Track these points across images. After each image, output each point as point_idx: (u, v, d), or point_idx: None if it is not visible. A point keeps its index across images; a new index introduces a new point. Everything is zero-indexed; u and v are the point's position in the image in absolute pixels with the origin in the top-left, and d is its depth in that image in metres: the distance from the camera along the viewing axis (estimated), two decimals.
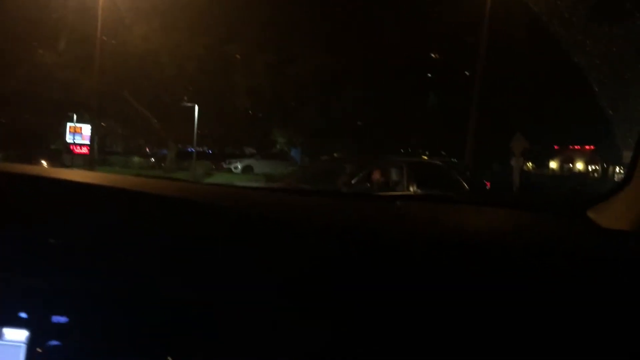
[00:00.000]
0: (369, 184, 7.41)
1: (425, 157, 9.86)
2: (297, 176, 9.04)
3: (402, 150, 29.26)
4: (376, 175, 7.61)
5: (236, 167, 31.16)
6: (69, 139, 27.63)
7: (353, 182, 7.26)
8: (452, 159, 15.25)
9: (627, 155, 27.17)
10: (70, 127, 27.54)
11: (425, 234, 1.16)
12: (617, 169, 41.14)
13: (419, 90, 26.78)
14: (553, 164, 47.79)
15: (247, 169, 30.75)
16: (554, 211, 1.37)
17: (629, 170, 1.14)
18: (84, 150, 25.27)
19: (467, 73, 21.52)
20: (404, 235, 1.13)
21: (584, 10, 21.10)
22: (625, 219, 1.08)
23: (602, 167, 40.72)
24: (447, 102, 26.32)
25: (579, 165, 48.97)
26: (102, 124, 30.86)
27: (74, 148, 26.91)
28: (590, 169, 47.38)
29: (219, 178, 24.98)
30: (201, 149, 41.13)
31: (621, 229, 1.08)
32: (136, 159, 31.08)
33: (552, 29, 21.50)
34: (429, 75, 27.16)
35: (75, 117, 27.00)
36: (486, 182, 10.79)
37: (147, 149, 43.81)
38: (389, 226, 1.21)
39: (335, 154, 9.27)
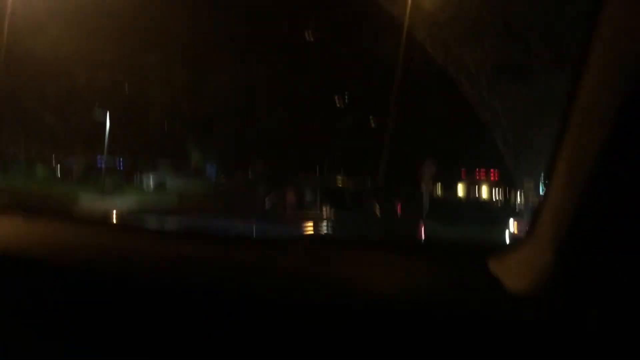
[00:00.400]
0: (282, 206, 7.32)
1: (339, 177, 9.92)
2: (210, 198, 8.78)
3: (317, 167, 29.41)
4: (290, 197, 7.53)
5: (148, 184, 29.93)
6: None
7: (267, 203, 7.15)
8: (367, 180, 15.45)
9: (528, 182, 28.68)
10: None
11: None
12: (519, 196, 43.29)
13: (335, 109, 27.08)
14: (460, 189, 49.69)
15: (159, 186, 29.66)
16: (455, 257, 1.37)
17: (531, 224, 1.15)
18: None
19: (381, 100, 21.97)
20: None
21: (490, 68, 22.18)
22: (525, 276, 1.08)
23: (505, 193, 42.71)
24: (363, 121, 26.75)
25: (484, 192, 51.24)
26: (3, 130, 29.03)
27: None
28: (494, 195, 49.65)
29: (129, 193, 24.03)
30: (112, 164, 39.58)
31: (518, 287, 1.08)
32: (40, 171, 29.32)
33: (460, 80, 22.47)
34: (346, 95, 27.55)
35: None
36: (397, 205, 10.99)
37: (52, 159, 41.60)
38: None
39: (249, 171, 9.13)
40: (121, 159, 41.98)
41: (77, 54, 20.02)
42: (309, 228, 7.37)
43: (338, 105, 26.77)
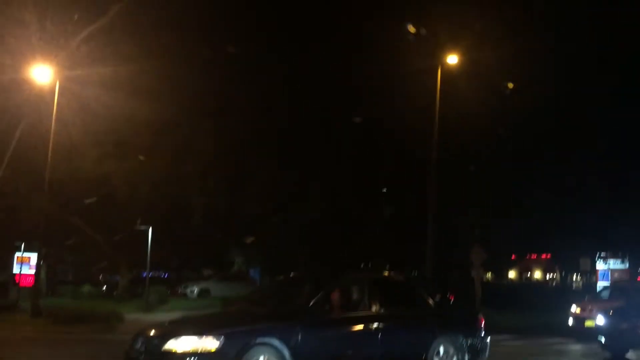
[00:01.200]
0: (328, 306, 6.86)
1: (387, 272, 9.49)
2: (252, 298, 8.43)
3: (362, 265, 28.82)
4: (335, 296, 7.08)
5: (192, 291, 29.94)
6: (16, 269, 26.25)
7: (311, 304, 6.70)
8: (413, 271, 14.88)
9: (585, 262, 27.46)
10: (17, 257, 26.25)
11: None
12: (575, 277, 41.51)
13: (376, 203, 26.90)
14: (511, 273, 47.97)
15: (203, 293, 29.56)
16: None
17: None
18: (30, 281, 23.88)
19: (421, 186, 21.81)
20: None
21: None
22: None
23: (561, 274, 40.96)
24: (404, 214, 26.42)
25: (537, 274, 49.28)
26: (51, 252, 29.58)
27: (20, 279, 25.52)
28: (547, 277, 47.65)
29: (174, 304, 23.77)
30: (156, 274, 39.91)
31: None
32: (86, 287, 29.48)
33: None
34: (385, 189, 27.43)
35: (23, 246, 25.86)
36: (450, 296, 10.35)
37: (100, 277, 42.15)
38: None
39: (292, 273, 8.86)
40: (166, 273, 42.50)
41: (117, 171, 20.54)
42: (358, 331, 6.83)
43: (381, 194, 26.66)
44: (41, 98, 18.85)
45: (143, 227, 22.32)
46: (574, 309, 16.91)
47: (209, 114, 20.86)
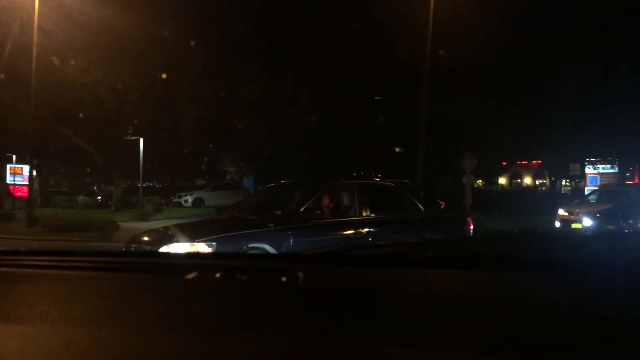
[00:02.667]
0: (318, 211, 6.94)
1: (378, 179, 9.54)
2: (243, 206, 8.53)
3: (354, 175, 29.05)
4: (326, 201, 7.16)
5: (186, 201, 30.41)
6: (9, 180, 26.34)
7: (302, 209, 6.77)
8: (405, 180, 15.01)
9: (574, 167, 27.74)
10: (10, 168, 26.27)
11: None
12: (564, 182, 42.12)
13: (367, 112, 26.74)
14: (502, 180, 48.65)
15: (197, 202, 30.04)
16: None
17: None
18: (24, 191, 24.03)
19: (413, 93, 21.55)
20: None
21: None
22: None
23: (550, 180, 41.53)
24: (396, 122, 26.37)
25: (527, 180, 50.02)
26: (44, 163, 29.57)
27: (14, 190, 25.65)
28: (537, 183, 48.42)
29: (168, 213, 24.14)
30: (150, 184, 40.28)
31: None
32: (81, 198, 29.77)
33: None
34: (377, 97, 27.15)
35: (14, 158, 25.82)
36: (440, 202, 10.47)
37: (94, 187, 42.51)
38: None
39: (282, 181, 8.89)
40: (159, 184, 42.90)
41: (104, 80, 20.12)
42: (348, 235, 6.98)
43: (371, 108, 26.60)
44: (22, 4, 18.16)
45: (134, 138, 22.22)
46: (561, 212, 17.30)
47: (198, 22, 20.17)
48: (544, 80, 24.54)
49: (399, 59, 22.58)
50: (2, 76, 19.45)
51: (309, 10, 23.05)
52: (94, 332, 1.02)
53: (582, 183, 29.84)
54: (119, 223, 17.78)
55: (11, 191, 25.82)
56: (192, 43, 20.23)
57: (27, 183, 22.52)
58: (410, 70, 21.51)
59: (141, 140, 22.06)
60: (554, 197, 28.46)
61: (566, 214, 17.07)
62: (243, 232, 6.46)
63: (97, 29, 18.93)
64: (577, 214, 16.24)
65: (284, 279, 1.38)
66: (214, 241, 6.03)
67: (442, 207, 9.98)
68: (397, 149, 25.73)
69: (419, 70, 19.39)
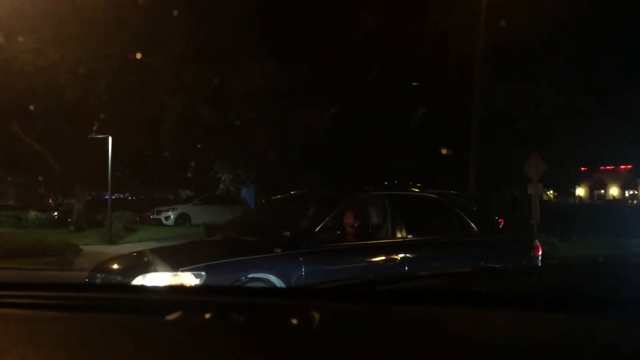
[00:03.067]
0: (339, 232, 6.95)
1: (416, 190, 9.55)
2: (240, 224, 8.57)
3: (386, 184, 28.97)
4: (349, 219, 7.17)
5: (168, 218, 30.61)
6: None
7: (318, 229, 6.78)
8: (452, 191, 14.97)
9: None
10: None
11: None
12: None
13: (402, 105, 26.72)
14: (580, 191, 48.32)
15: (182, 219, 30.22)
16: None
17: None
18: None
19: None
20: None
21: None
22: None
23: None
24: (440, 117, 26.27)
25: (613, 191, 49.61)
26: None
27: None
28: (627, 194, 48.02)
29: (144, 234, 24.27)
30: (121, 196, 40.58)
31: None
32: (32, 214, 30.05)
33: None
34: (415, 83, 27.14)
35: None
36: (499, 220, 10.40)
37: (50, 200, 42.91)
38: None
39: (292, 193, 8.98)
40: (131, 196, 43.17)
41: (63, 64, 20.29)
42: (377, 263, 7.01)
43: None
44: None
45: (101, 136, 22.40)
46: None
47: None
48: (633, 64, 24.40)
49: (442, 37, 22.57)
50: None
51: None
52: None
53: None
54: (81, 246, 17.91)
55: None
56: (176, 13, 20.30)
57: None
58: (458, 53, 21.50)
59: (109, 139, 22.23)
60: None
61: None
62: (241, 258, 6.53)
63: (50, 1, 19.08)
64: None
65: (294, 320, 1.37)
66: (202, 270, 6.07)
67: (501, 226, 9.91)
68: (443, 151, 25.64)
69: (470, 52, 19.36)
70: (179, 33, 21.01)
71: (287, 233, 7.12)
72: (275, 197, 9.50)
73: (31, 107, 21.64)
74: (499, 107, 22.83)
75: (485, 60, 19.07)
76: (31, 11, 19.44)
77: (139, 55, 20.64)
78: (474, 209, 8.59)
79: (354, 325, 1.38)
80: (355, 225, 7.21)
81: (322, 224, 6.89)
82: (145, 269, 6.18)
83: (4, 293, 1.66)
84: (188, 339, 1.29)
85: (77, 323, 1.43)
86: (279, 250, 6.60)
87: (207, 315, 1.43)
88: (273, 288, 5.67)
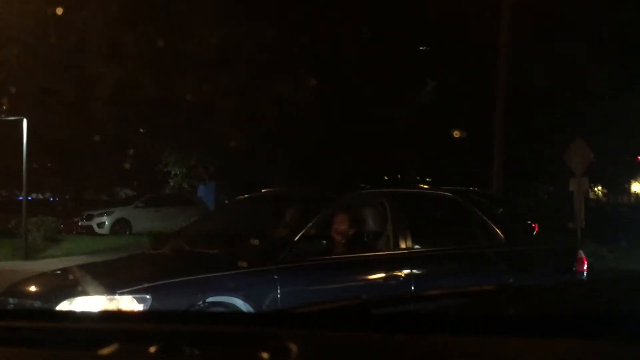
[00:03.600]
0: (325, 241, 6.96)
1: (425, 186, 9.59)
2: (197, 232, 8.58)
3: (386, 179, 29.02)
4: (341, 224, 7.20)
5: (102, 224, 30.59)
6: None
7: (297, 237, 6.79)
8: (471, 188, 15.03)
9: None
10: None
11: None
12: None
13: (405, 77, 26.79)
14: (636, 186, 48.59)
15: (120, 226, 30.21)
16: None
17: None
18: None
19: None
20: None
21: None
22: None
23: None
24: (454, 93, 26.35)
25: None
26: None
27: None
28: None
29: (71, 245, 24.21)
30: (40, 196, 40.41)
31: None
32: None
33: None
34: (423, 48, 27.28)
35: None
36: (532, 225, 10.49)
37: None
38: None
39: (264, 191, 9.01)
40: (53, 196, 43.03)
41: None
42: (375, 282, 7.06)
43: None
44: None
45: (12, 118, 22.31)
46: None
47: None
48: None
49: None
50: None
51: None
52: None
53: None
54: None
55: None
56: None
57: None
58: (478, 8, 21.67)
59: (24, 122, 22.13)
60: None
61: None
62: (197, 277, 6.53)
63: None
64: None
65: (264, 354, 1.37)
66: (146, 293, 6.08)
67: (534, 232, 10.00)
68: (456, 133, 25.63)
69: (495, 4, 19.46)
70: None
71: (256, 241, 7.14)
72: (241, 197, 9.51)
73: None
74: (531, 81, 22.97)
75: (513, 20, 19.17)
76: None
77: (60, 11, 20.60)
78: (500, 210, 8.64)
79: (344, 358, 1.39)
80: (347, 232, 7.24)
81: (304, 231, 6.90)
82: (72, 291, 6.19)
83: None
84: None
85: None
86: (246, 265, 6.63)
87: (152, 349, 1.43)
88: (238, 313, 5.69)
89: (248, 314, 4.70)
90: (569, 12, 23.01)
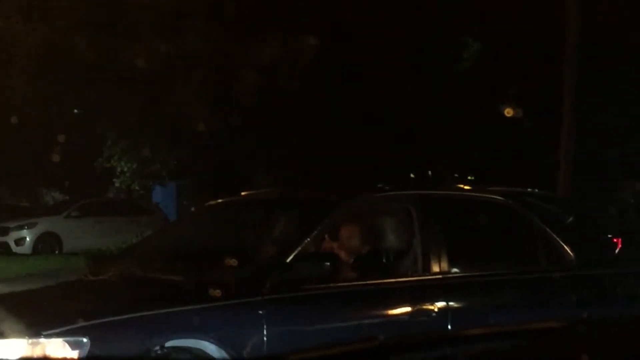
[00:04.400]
0: (329, 263, 6.95)
1: (466, 187, 9.61)
2: (152, 249, 8.56)
3: (411, 176, 28.98)
4: (350, 238, 7.22)
5: (21, 240, 30.62)
6: None
7: (291, 257, 6.79)
8: (529, 190, 15.10)
9: None
10: None
11: None
12: None
13: (443, 37, 26.85)
14: None
15: (46, 242, 30.25)
16: None
17: None
18: None
19: None
20: None
21: None
22: None
23: None
24: (506, 61, 26.41)
25: None
26: None
27: None
28: None
29: None
30: None
31: None
32: None
33: None
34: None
35: None
36: (615, 239, 10.53)
37: None
38: None
39: (243, 194, 9.01)
40: None
41: None
42: (397, 318, 6.99)
43: None
44: None
45: None
46: None
47: None
48: None
49: None
50: None
51: None
52: None
53: None
54: None
55: None
56: None
57: None
58: None
59: None
60: None
61: None
62: (154, 312, 6.45)
63: None
64: None
65: None
66: (83, 334, 6.03)
67: (617, 248, 10.04)
68: (508, 112, 25.59)
69: None
70: None
71: (234, 263, 7.10)
72: (213, 202, 9.49)
73: None
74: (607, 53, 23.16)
75: None
76: None
77: None
78: (569, 219, 8.66)
79: None
80: (359, 250, 7.26)
81: (299, 249, 6.90)
82: None
83: None
84: None
85: None
86: (219, 296, 6.62)
87: None
88: None
89: None
90: None
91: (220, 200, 9.29)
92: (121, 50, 22.81)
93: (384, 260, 7.40)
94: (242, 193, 9.24)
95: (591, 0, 19.84)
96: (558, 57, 19.76)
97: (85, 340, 5.97)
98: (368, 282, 7.15)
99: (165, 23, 22.63)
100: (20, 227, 31.38)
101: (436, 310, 7.04)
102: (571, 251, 7.95)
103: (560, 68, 19.57)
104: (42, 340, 5.97)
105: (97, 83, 23.91)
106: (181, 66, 23.66)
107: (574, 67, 19.22)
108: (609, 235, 10.29)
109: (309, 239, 6.97)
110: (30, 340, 5.99)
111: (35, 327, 6.11)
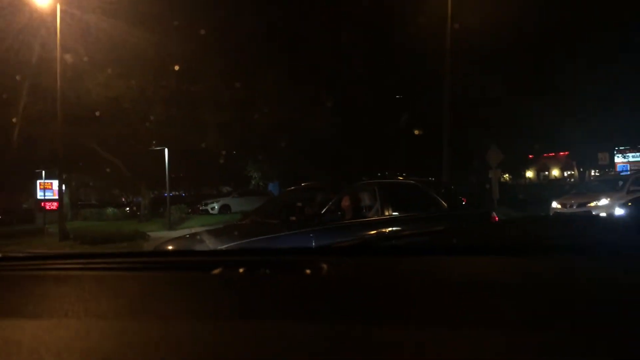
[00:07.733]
0: (340, 212, 7.04)
1: (401, 178, 9.61)
2: (265, 210, 8.61)
3: (379, 174, 28.96)
4: (346, 202, 7.25)
5: (213, 208, 30.70)
6: (39, 195, 27.03)
7: (323, 211, 6.87)
8: (430, 178, 15.06)
9: (603, 156, 27.36)
10: (40, 183, 26.96)
11: None
12: (593, 172, 41.55)
13: (390, 112, 26.66)
14: (529, 173, 48.04)
15: (224, 209, 30.30)
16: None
17: None
18: (55, 206, 24.69)
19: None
20: None
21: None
22: None
23: (579, 171, 40.97)
24: (420, 120, 26.19)
25: (555, 172, 49.34)
26: (73, 176, 30.25)
27: (45, 205, 26.35)
28: (565, 174, 47.72)
29: (195, 221, 24.45)
30: (176, 193, 40.77)
31: None
32: (110, 210, 30.35)
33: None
34: (398, 96, 27.11)
35: (44, 173, 26.46)
36: (462, 199, 10.51)
37: (123, 199, 43.22)
38: None
39: (303, 184, 9.04)
40: (185, 189, 43.40)
41: (127, 93, 20.39)
42: (370, 235, 6.93)
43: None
44: (42, 22, 18.48)
45: (159, 148, 22.59)
46: (555, 204, 17.11)
47: (215, 31, 20.32)
48: (569, 69, 24.30)
49: (419, 53, 22.41)
50: (29, 94, 19.95)
51: (326, 13, 23.22)
52: (116, 323, 1.04)
53: (613, 172, 29.41)
54: (148, 233, 18.09)
55: (42, 206, 26.52)
56: (205, 38, 20.02)
57: (57, 197, 23.11)
58: (431, 68, 21.44)
59: (166, 150, 22.42)
60: (583, 188, 28.04)
61: (560, 205, 16.88)
62: (265, 237, 6.45)
63: (115, 43, 19.10)
64: (571, 206, 16.18)
65: (307, 271, 1.36)
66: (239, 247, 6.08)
67: (463, 203, 10.00)
68: (416, 131, 25.36)
69: (440, 61, 19.04)
70: (211, 64, 21.10)
71: (293, 217, 7.10)
72: (290, 188, 9.55)
73: (106, 129, 21.78)
74: (465, 108, 22.68)
75: (453, 71, 18.68)
76: (100, 54, 19.54)
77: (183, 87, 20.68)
78: (443, 191, 8.67)
79: (353, 272, 1.39)
80: (353, 207, 7.29)
81: (327, 207, 6.98)
82: (198, 245, 6.22)
83: (84, 261, 1.68)
84: (228, 287, 1.31)
85: (141, 279, 1.44)
86: (293, 228, 6.68)
87: (241, 270, 1.43)
88: (292, 248, 5.75)
89: (297, 248, 4.74)
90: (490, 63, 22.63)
91: (293, 187, 9.34)
92: (253, 125, 22.85)
93: (363, 211, 7.41)
94: (302, 184, 9.24)
95: (458, 66, 19.00)
96: (440, 103, 19.12)
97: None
98: (357, 220, 7.20)
99: (269, 112, 22.52)
100: (212, 202, 31.43)
101: (387, 232, 7.08)
102: (445, 204, 7.97)
103: (441, 109, 19.09)
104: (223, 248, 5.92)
105: (244, 141, 23.98)
106: (280, 132, 23.42)
107: (448, 109, 18.83)
108: (460, 197, 10.28)
109: (331, 203, 7.03)
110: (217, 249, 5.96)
111: (219, 243, 6.13)
